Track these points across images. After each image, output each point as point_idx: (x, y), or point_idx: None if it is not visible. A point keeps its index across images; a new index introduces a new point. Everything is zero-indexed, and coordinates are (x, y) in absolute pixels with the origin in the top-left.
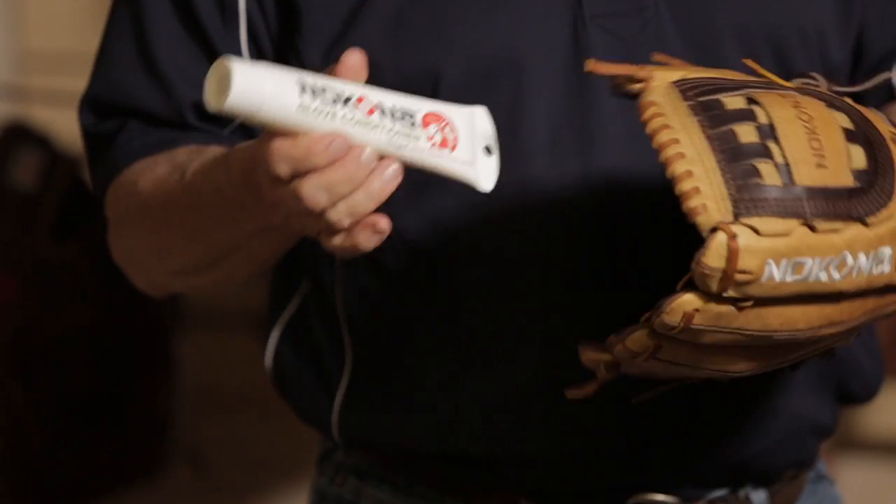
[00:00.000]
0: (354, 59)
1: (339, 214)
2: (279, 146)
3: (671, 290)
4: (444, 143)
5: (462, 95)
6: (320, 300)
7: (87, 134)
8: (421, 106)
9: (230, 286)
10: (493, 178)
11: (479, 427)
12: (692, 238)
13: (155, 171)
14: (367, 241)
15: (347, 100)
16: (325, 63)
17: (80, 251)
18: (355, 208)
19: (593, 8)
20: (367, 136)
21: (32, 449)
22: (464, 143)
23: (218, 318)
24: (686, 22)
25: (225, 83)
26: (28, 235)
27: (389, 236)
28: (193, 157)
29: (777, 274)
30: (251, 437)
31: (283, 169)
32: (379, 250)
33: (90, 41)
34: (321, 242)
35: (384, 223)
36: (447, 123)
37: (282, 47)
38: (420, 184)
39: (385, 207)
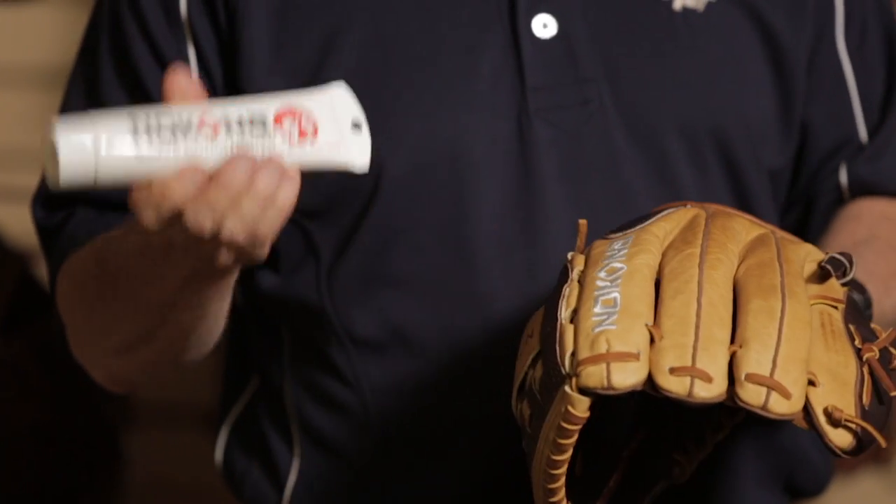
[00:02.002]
0: (180, 80)
1: (231, 231)
2: (137, 197)
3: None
4: (302, 136)
5: (406, 188)
6: (269, 396)
7: (40, 228)
8: (270, 105)
9: (179, 360)
10: (366, 156)
11: None
12: None
13: (94, 247)
14: (285, 194)
15: (188, 127)
16: None
17: (28, 348)
18: (244, 219)
19: (538, 102)
20: (217, 157)
21: None
22: (325, 129)
23: (167, 414)
24: (630, 115)
25: (55, 158)
26: None
27: (335, 332)
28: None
29: None
30: None
31: (150, 216)
32: (327, 347)
33: (37, 138)
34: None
35: (291, 171)
36: (301, 114)
37: None
38: (366, 279)
39: (331, 304)
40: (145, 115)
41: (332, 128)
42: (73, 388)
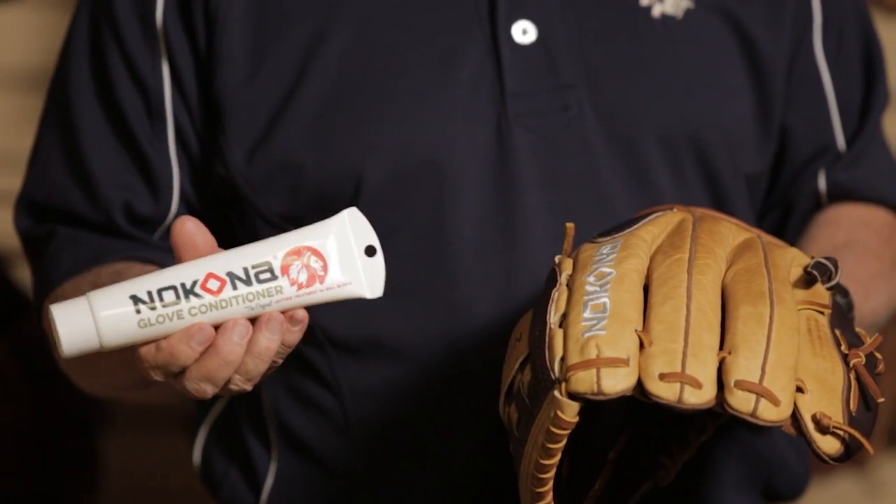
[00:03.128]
0: (186, 228)
1: (237, 384)
2: (146, 354)
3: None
4: (311, 279)
5: (385, 195)
6: (247, 398)
7: (23, 238)
8: (277, 249)
9: (171, 399)
10: (380, 280)
11: None
12: None
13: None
14: (293, 337)
15: (192, 288)
16: (249, 164)
17: (7, 351)
18: (249, 374)
19: (517, 107)
20: (223, 316)
21: None
22: (335, 264)
23: (145, 416)
24: (609, 122)
25: (56, 333)
26: None
27: (315, 335)
28: (116, 280)
29: None
30: None
31: (158, 375)
32: (305, 349)
33: (15, 141)
34: None
35: (300, 314)
36: (311, 253)
37: (208, 149)
38: None
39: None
40: (147, 281)
41: (342, 261)
42: (52, 390)
